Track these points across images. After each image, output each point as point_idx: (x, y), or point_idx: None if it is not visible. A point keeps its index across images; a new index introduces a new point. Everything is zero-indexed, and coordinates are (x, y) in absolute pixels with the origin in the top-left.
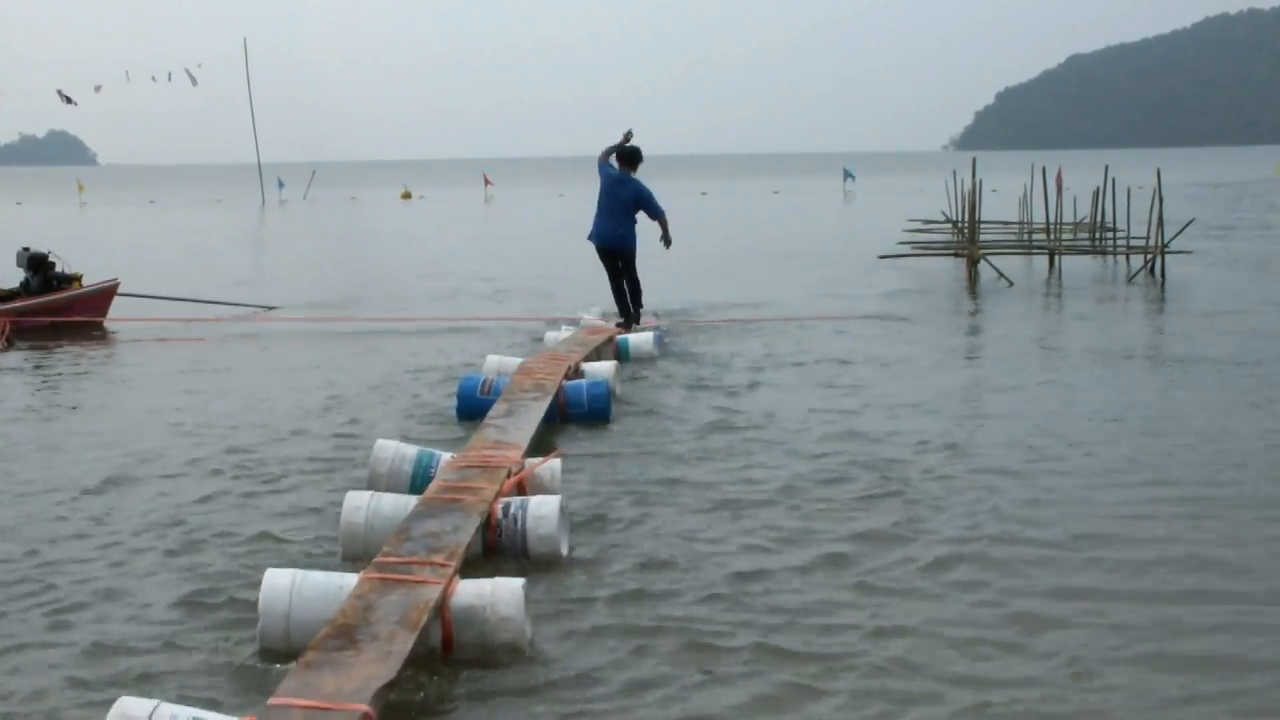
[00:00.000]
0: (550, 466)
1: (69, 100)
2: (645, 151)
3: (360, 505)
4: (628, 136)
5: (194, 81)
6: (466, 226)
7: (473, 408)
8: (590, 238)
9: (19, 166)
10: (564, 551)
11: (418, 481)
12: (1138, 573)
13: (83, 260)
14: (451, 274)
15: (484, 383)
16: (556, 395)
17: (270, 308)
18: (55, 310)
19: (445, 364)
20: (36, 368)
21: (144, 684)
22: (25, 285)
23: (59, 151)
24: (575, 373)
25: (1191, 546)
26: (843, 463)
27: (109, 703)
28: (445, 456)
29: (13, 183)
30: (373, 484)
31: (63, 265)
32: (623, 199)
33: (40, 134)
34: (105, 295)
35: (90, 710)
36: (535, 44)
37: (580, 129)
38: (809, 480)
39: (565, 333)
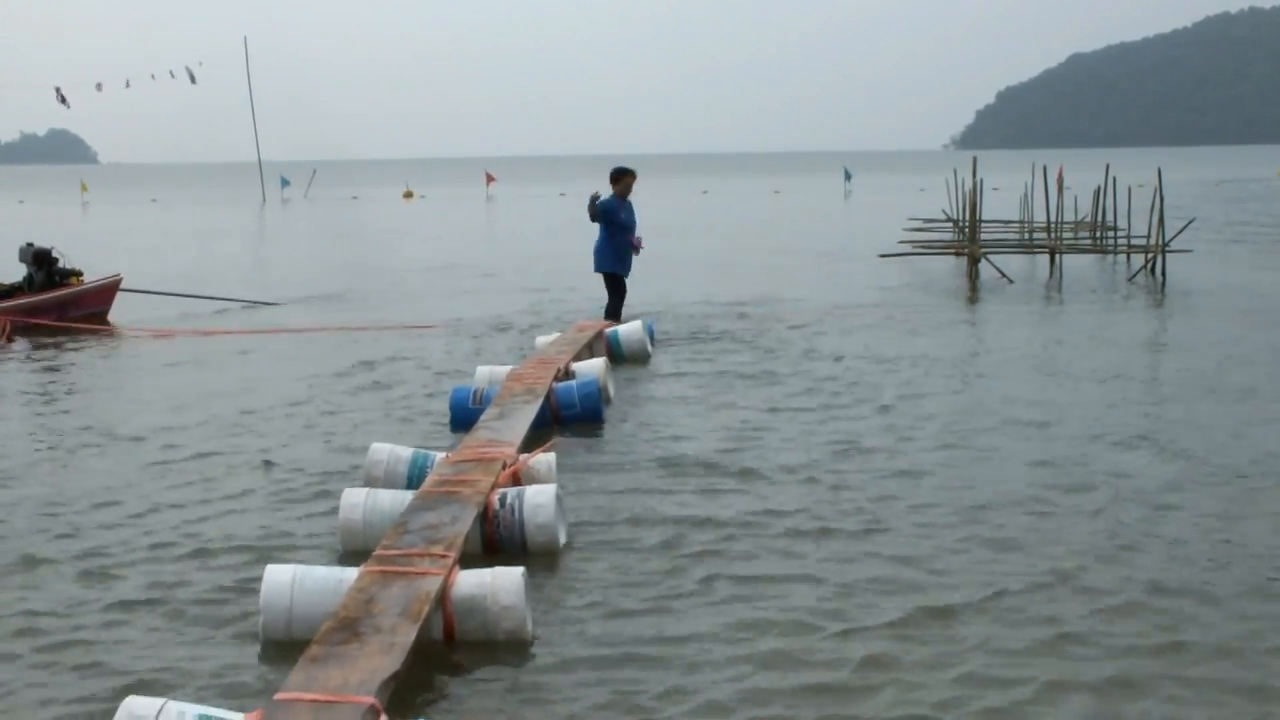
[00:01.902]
0: (545, 459)
1: (64, 101)
2: (645, 150)
3: (357, 502)
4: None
5: (193, 79)
6: (467, 225)
7: (465, 418)
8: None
9: (20, 165)
10: (562, 541)
11: (413, 482)
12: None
13: (87, 259)
14: (448, 270)
15: (475, 393)
16: (548, 398)
17: (270, 304)
18: (60, 305)
19: (435, 367)
20: (37, 364)
21: (148, 682)
22: (29, 281)
23: (60, 150)
24: (566, 374)
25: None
26: (846, 454)
27: (115, 702)
28: (439, 456)
29: (14, 181)
30: (369, 485)
31: (64, 261)
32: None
33: (41, 132)
34: (108, 290)
35: (96, 710)
36: (538, 43)
37: (582, 128)
38: (809, 470)
39: (553, 336)
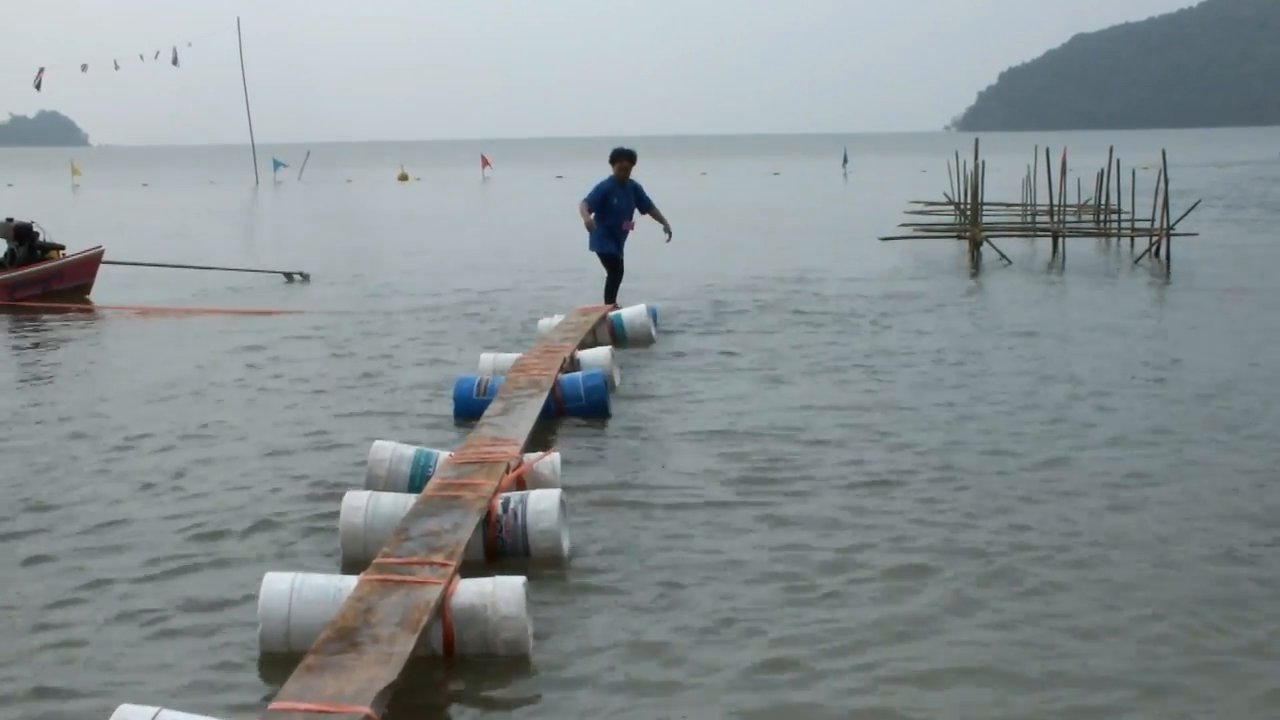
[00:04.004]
0: (550, 461)
1: (38, 86)
2: (643, 131)
3: (359, 505)
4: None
5: (175, 61)
6: (462, 207)
7: (469, 410)
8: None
9: (9, 147)
10: (565, 547)
11: (416, 481)
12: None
13: (79, 245)
14: (444, 252)
15: (479, 383)
16: (553, 390)
17: (264, 271)
18: (42, 280)
19: (434, 351)
20: (19, 341)
21: (143, 689)
22: (10, 256)
23: (50, 132)
24: (571, 364)
25: None
26: (848, 449)
27: (109, 710)
28: (443, 455)
29: (3, 164)
30: (371, 485)
31: (45, 235)
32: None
33: (31, 115)
34: (90, 263)
35: (89, 719)
36: (535, 25)
37: (580, 111)
38: (809, 468)
39: (558, 319)
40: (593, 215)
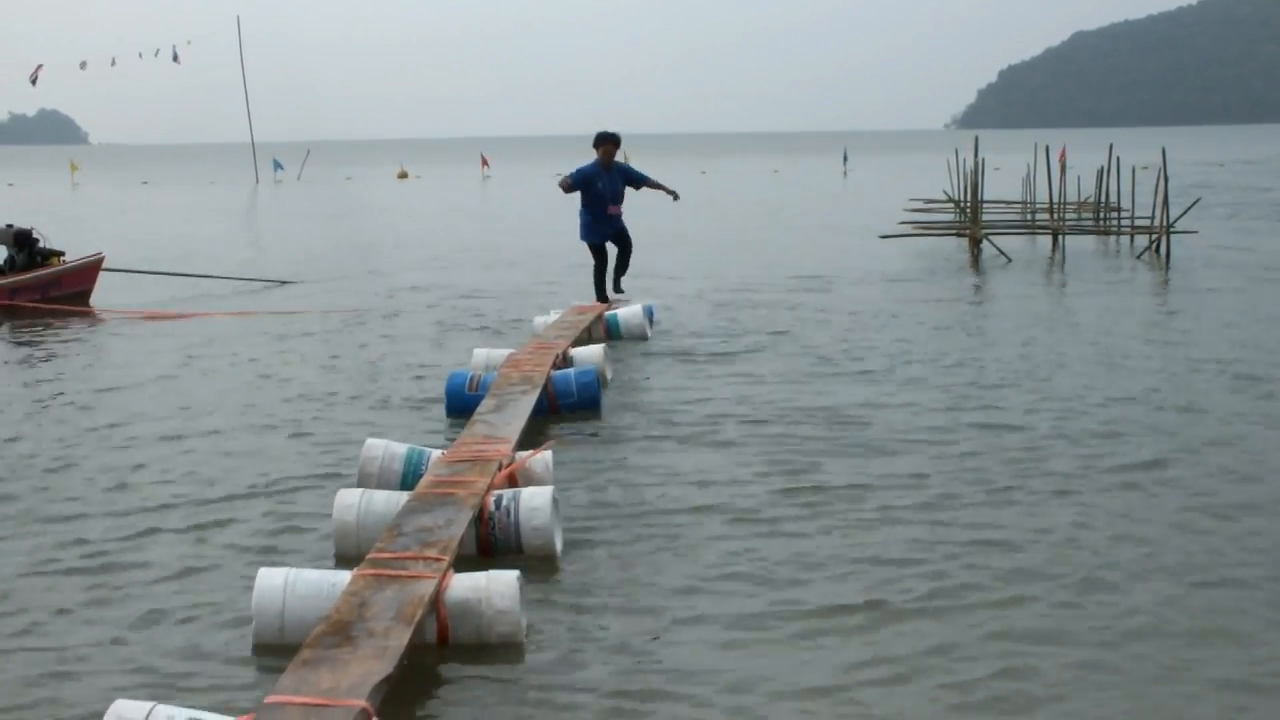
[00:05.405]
0: (542, 458)
1: (34, 82)
2: (642, 129)
3: (351, 503)
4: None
5: (176, 58)
6: (462, 205)
7: (461, 405)
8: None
9: (9, 146)
10: (558, 544)
11: (408, 480)
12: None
13: (76, 242)
14: (443, 250)
15: (472, 379)
16: (545, 386)
17: (253, 279)
18: (41, 286)
19: (429, 347)
20: (19, 346)
21: (136, 686)
22: (10, 262)
23: (50, 131)
24: (564, 360)
25: None
26: (846, 448)
27: (104, 706)
28: (435, 453)
29: (3, 163)
30: (363, 483)
31: (45, 241)
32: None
33: (31, 113)
34: (90, 270)
35: (85, 713)
36: (534, 24)
37: (581, 109)
38: (806, 466)
39: (553, 316)
40: (572, 189)
